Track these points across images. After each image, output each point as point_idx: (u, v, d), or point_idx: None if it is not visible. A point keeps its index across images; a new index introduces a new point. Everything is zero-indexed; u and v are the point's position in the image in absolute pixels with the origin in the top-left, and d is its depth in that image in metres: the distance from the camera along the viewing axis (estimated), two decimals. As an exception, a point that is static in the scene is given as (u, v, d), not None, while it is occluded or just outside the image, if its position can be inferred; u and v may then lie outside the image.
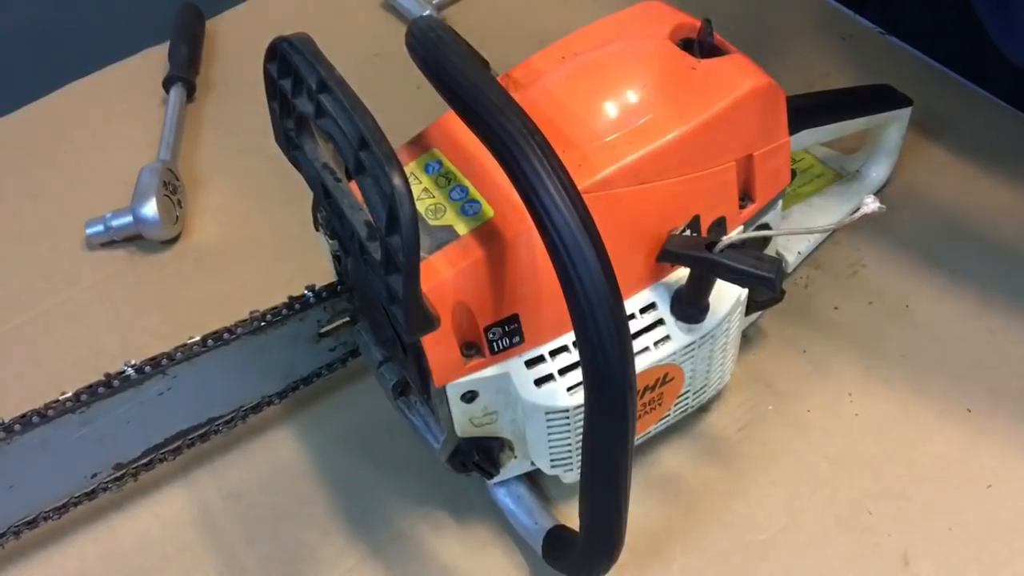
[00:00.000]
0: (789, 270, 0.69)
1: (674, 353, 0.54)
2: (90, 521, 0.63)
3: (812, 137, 0.66)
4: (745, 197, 0.57)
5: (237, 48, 0.93)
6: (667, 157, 0.51)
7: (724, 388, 0.63)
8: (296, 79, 0.46)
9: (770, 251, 0.63)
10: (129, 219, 0.76)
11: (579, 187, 0.43)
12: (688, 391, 0.58)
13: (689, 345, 0.54)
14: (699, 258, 0.50)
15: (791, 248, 0.69)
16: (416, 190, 0.52)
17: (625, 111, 0.52)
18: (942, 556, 0.57)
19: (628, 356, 0.42)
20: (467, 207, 0.51)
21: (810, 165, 0.74)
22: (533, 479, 0.60)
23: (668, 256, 0.52)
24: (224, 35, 0.94)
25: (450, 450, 0.55)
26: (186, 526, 0.62)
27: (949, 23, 0.70)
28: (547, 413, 0.52)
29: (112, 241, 0.77)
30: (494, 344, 0.51)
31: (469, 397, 0.52)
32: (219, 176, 0.82)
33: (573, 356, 0.52)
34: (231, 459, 0.65)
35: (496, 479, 0.58)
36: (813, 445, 0.62)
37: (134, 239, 0.77)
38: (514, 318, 0.50)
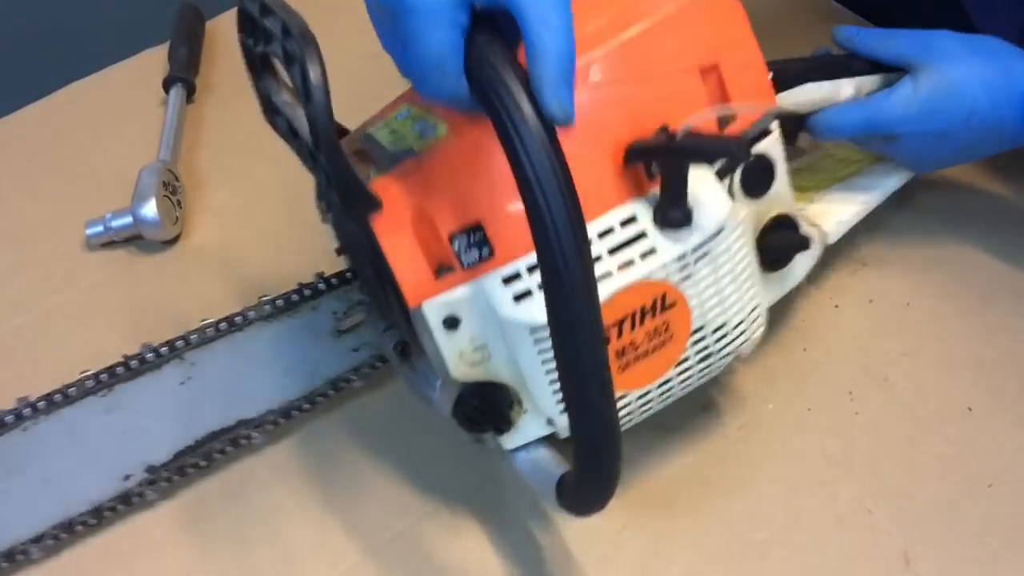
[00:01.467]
0: (830, 240, 0.66)
1: (664, 266, 0.52)
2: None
3: (818, 93, 0.65)
4: (725, 120, 0.56)
5: (237, 49, 0.92)
6: (616, 60, 0.52)
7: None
8: (265, 27, 0.48)
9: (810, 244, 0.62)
10: (129, 219, 0.76)
11: None
12: (703, 329, 0.55)
13: (680, 258, 0.52)
14: (662, 147, 0.50)
15: (829, 217, 0.67)
16: (384, 134, 0.54)
17: (589, 23, 0.53)
18: (943, 555, 0.57)
19: (582, 240, 0.41)
20: (427, 130, 0.52)
21: (846, 154, 0.73)
22: (555, 444, 0.58)
23: (633, 155, 0.51)
24: (224, 35, 0.94)
25: (451, 398, 0.54)
26: (186, 526, 0.62)
27: (948, 23, 0.70)
28: (531, 330, 0.50)
29: (112, 241, 0.77)
30: (462, 256, 0.50)
31: (451, 323, 0.51)
32: (219, 176, 0.82)
33: None
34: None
35: (512, 442, 0.56)
36: (813, 444, 0.62)
37: (134, 239, 0.77)
38: (479, 227, 0.50)
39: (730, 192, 0.56)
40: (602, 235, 0.51)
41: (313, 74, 0.43)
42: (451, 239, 0.50)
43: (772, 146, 0.57)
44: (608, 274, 0.51)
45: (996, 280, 0.68)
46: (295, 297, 0.61)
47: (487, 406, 0.54)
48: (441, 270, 0.51)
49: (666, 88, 0.53)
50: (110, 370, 0.59)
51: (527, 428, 0.56)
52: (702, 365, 0.57)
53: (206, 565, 0.60)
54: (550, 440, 0.57)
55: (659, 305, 0.53)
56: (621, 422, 0.54)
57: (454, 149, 0.51)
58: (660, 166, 0.51)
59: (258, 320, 0.61)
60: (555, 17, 0.43)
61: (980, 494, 0.59)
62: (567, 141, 0.44)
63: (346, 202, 0.47)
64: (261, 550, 0.61)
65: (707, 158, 0.51)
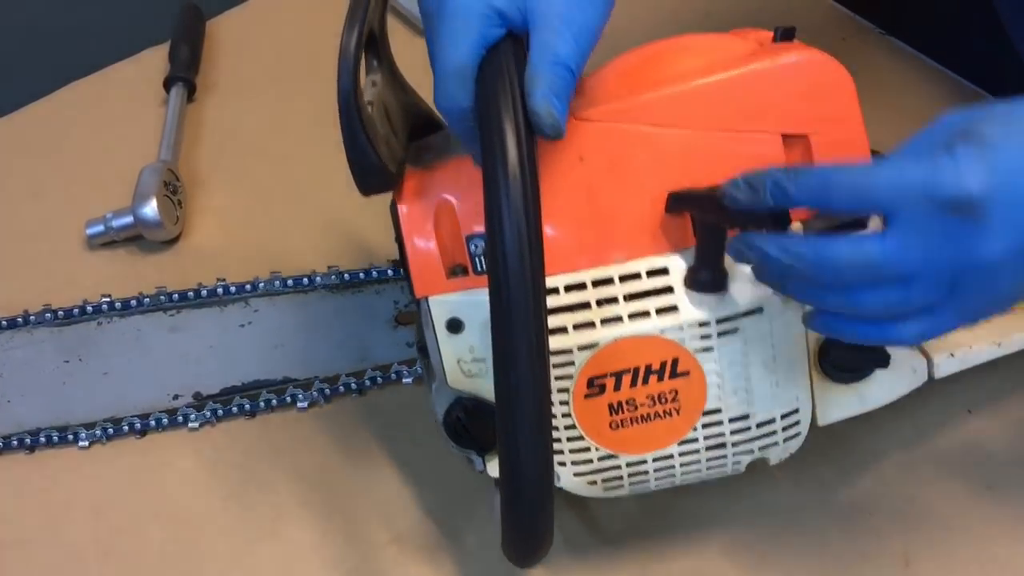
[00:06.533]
0: (938, 374, 0.56)
1: (680, 328, 0.49)
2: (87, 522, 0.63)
3: None
4: None
5: (237, 48, 0.93)
6: (687, 103, 0.49)
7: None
8: None
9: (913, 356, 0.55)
10: (130, 219, 0.76)
11: (584, 113, 0.48)
12: (720, 413, 0.51)
13: (702, 325, 0.49)
14: (698, 197, 0.47)
15: (946, 348, 0.57)
16: None
17: (664, 65, 0.51)
18: (942, 557, 0.57)
19: (535, 253, 0.41)
20: None
21: None
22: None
23: (672, 203, 0.49)
24: (224, 35, 0.94)
25: (444, 404, 0.53)
26: (186, 526, 0.62)
27: (949, 23, 0.70)
28: None
29: (112, 241, 0.77)
30: (476, 260, 0.50)
31: (454, 325, 0.51)
32: (219, 176, 0.82)
33: (563, 298, 0.49)
34: (231, 459, 0.65)
35: (496, 471, 0.54)
36: (813, 445, 0.62)
37: (135, 239, 0.77)
38: None
39: None
40: (624, 279, 0.49)
41: (344, 36, 0.45)
42: (469, 240, 0.50)
43: None
44: (617, 318, 0.49)
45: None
46: (362, 276, 0.65)
47: (474, 423, 0.52)
48: (455, 270, 0.50)
49: (739, 147, 0.49)
50: (182, 292, 0.66)
51: None
52: (712, 454, 0.52)
53: (206, 565, 0.60)
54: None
55: (668, 369, 0.50)
56: (607, 486, 0.53)
57: None
58: (697, 221, 0.48)
59: (323, 288, 0.65)
60: (563, 26, 0.43)
61: (980, 495, 0.59)
62: (612, 176, 0.44)
63: (356, 174, 0.47)
64: (261, 550, 0.61)
65: (744, 221, 0.46)
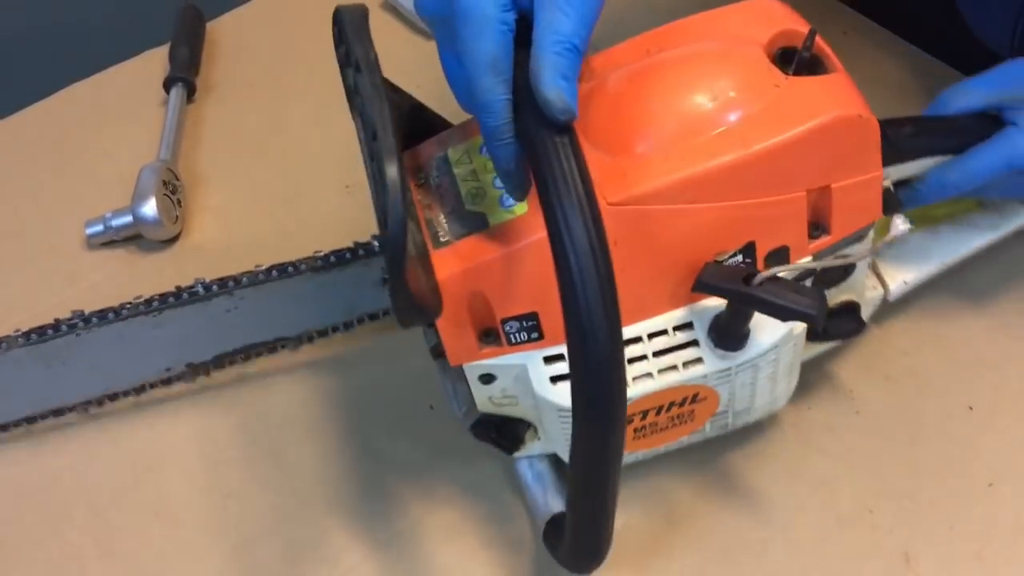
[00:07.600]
0: (892, 298, 0.62)
1: (704, 376, 0.52)
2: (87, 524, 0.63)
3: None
4: (818, 228, 0.52)
5: (237, 49, 0.93)
6: (722, 179, 0.48)
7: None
8: (347, 49, 0.45)
9: (869, 277, 0.61)
10: (129, 219, 0.76)
11: (619, 197, 0.46)
12: (727, 411, 0.56)
13: (724, 371, 0.52)
14: (734, 291, 0.48)
15: (895, 276, 0.62)
16: (463, 170, 0.52)
17: (687, 122, 0.49)
18: (943, 554, 0.57)
19: (619, 383, 0.41)
20: (505, 198, 0.49)
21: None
22: (561, 461, 0.59)
23: (702, 287, 0.49)
24: (224, 36, 0.94)
25: (471, 420, 0.55)
26: (186, 525, 0.62)
27: (949, 19, 0.70)
28: (560, 411, 0.51)
29: (112, 241, 0.77)
30: (511, 336, 0.50)
31: (486, 379, 0.52)
32: (219, 176, 0.82)
33: None
34: (231, 459, 0.65)
35: (519, 454, 0.58)
36: (813, 442, 0.62)
37: (134, 239, 0.77)
38: (533, 316, 0.49)
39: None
40: (652, 336, 0.51)
41: (393, 211, 0.41)
42: (503, 322, 0.49)
43: (860, 248, 0.55)
44: (647, 375, 0.51)
45: (997, 278, 0.68)
46: (348, 255, 0.65)
47: (504, 435, 0.56)
48: (487, 337, 0.50)
49: (764, 208, 0.49)
50: (162, 296, 0.64)
51: (536, 448, 0.58)
52: (715, 432, 0.58)
53: (206, 565, 0.60)
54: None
55: (689, 400, 0.53)
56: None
57: (525, 237, 0.48)
58: (728, 304, 0.49)
59: (308, 271, 0.65)
60: (566, 3, 0.43)
61: (982, 492, 0.59)
62: (645, 255, 0.45)
63: (399, 313, 0.46)
64: (261, 550, 0.61)
65: (781, 317, 0.47)
